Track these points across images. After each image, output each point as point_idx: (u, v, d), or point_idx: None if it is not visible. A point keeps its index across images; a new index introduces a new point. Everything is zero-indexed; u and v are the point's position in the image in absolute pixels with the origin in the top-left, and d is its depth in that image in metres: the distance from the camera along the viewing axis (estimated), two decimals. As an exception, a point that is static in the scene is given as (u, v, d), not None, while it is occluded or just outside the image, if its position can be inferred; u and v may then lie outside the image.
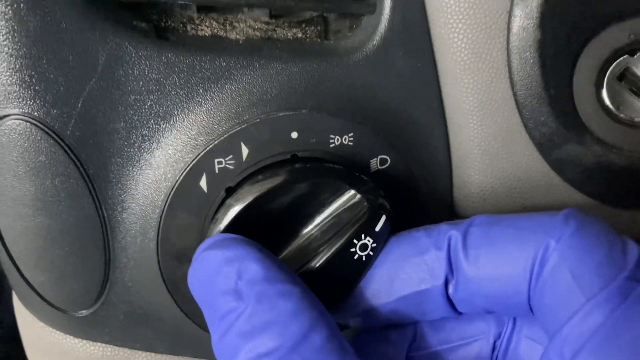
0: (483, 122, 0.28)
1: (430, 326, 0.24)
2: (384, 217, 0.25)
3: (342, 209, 0.25)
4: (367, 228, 0.24)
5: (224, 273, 0.21)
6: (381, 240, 0.25)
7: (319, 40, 0.28)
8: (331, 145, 0.26)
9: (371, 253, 0.25)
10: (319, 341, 0.19)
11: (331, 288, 0.25)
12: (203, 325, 0.28)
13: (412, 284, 0.23)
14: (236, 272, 0.20)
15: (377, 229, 0.24)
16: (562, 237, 0.20)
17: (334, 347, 0.19)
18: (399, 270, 0.23)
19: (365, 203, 0.24)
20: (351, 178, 0.25)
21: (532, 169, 0.29)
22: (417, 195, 0.28)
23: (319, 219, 0.25)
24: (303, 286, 0.21)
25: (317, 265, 0.25)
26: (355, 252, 0.25)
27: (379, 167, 0.27)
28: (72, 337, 0.31)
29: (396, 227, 0.26)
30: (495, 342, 0.24)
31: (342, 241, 0.24)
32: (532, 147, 0.28)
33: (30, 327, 0.32)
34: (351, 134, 0.26)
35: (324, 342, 0.19)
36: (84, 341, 0.31)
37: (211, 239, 0.22)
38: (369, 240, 0.24)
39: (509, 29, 0.27)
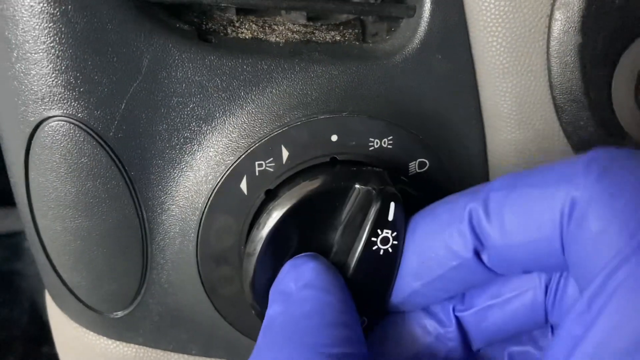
0: (521, 127, 0.28)
1: (487, 281, 0.23)
2: (392, 204, 0.24)
3: (352, 208, 0.24)
4: (380, 221, 0.24)
5: (287, 277, 0.23)
6: (399, 227, 0.24)
7: (357, 43, 0.28)
8: (370, 149, 0.26)
9: (395, 242, 0.24)
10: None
11: (372, 291, 0.25)
12: (238, 327, 0.28)
13: (442, 263, 0.22)
14: (295, 277, 0.23)
15: (390, 218, 0.24)
16: (585, 188, 0.19)
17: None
18: (427, 251, 0.23)
19: (371, 195, 0.24)
20: (353, 174, 0.24)
21: (570, 173, 0.29)
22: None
23: (340, 226, 0.25)
24: (330, 292, 0.22)
25: (349, 274, 0.25)
26: (379, 249, 0.24)
27: (418, 171, 0.27)
28: (105, 338, 0.31)
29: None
30: (547, 286, 0.23)
31: (362, 243, 0.24)
32: (571, 152, 0.28)
33: (64, 327, 0.32)
34: (390, 137, 0.26)
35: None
36: (118, 342, 0.31)
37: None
38: (387, 232, 0.24)
39: (549, 33, 0.27)
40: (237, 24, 0.26)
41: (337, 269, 0.24)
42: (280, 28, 0.27)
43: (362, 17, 0.28)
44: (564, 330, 0.18)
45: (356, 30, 0.28)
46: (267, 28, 0.27)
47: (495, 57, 0.27)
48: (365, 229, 0.24)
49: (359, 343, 0.21)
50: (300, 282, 0.22)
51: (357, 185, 0.24)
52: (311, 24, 0.27)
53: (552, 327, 0.24)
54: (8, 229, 0.68)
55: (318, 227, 0.25)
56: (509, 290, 0.23)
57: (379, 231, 0.24)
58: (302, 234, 0.25)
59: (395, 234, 0.24)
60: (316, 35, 0.27)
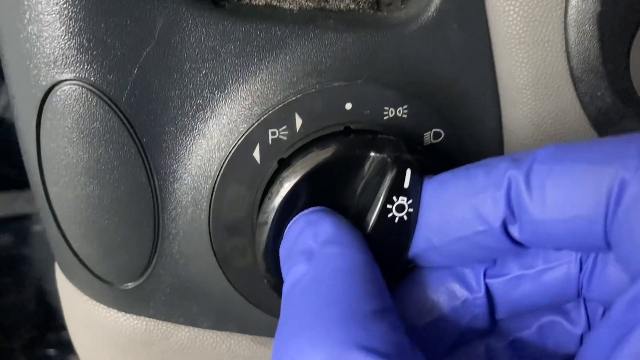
0: (537, 97, 0.28)
1: (517, 251, 0.23)
2: (409, 171, 0.23)
3: (367, 176, 0.24)
4: (396, 188, 0.23)
5: (303, 234, 0.22)
6: (415, 194, 0.24)
7: (371, 11, 0.27)
8: (385, 118, 0.26)
9: (410, 210, 0.24)
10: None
11: (387, 259, 0.24)
12: (251, 299, 0.28)
13: (466, 227, 0.22)
14: (312, 233, 0.22)
15: (406, 185, 0.23)
16: (638, 168, 0.18)
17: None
18: (454, 211, 0.22)
19: (387, 163, 0.23)
20: (368, 142, 0.24)
21: (586, 145, 0.28)
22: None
23: (355, 194, 0.25)
24: (358, 249, 0.22)
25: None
26: (394, 216, 0.24)
27: (432, 141, 0.27)
28: (116, 310, 0.30)
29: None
30: (582, 262, 0.22)
31: (377, 210, 0.24)
32: (587, 123, 0.28)
33: (73, 300, 0.32)
34: (405, 106, 0.26)
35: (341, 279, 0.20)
36: (128, 315, 0.30)
37: (305, 211, 0.24)
38: (402, 200, 0.23)
39: (567, 2, 0.26)
40: (250, -9, 0.26)
41: None
42: (294, -4, 0.26)
43: (376, -14, 0.27)
44: (616, 312, 0.17)
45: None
46: (280, -5, 0.26)
47: (511, 26, 0.27)
48: (380, 196, 0.24)
49: (388, 296, 0.20)
50: (320, 238, 0.22)
51: (372, 153, 0.24)
52: (325, -8, 0.27)
53: (584, 301, 0.24)
54: (16, 212, 0.68)
55: (331, 196, 0.25)
56: (543, 262, 0.23)
57: (394, 198, 0.23)
58: (315, 203, 0.24)
59: (410, 201, 0.23)
60: (330, 3, 0.27)
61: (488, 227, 0.21)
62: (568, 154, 0.20)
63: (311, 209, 0.24)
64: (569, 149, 0.20)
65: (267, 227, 0.24)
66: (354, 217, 0.25)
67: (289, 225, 0.24)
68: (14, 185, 0.70)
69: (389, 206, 0.24)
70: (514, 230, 0.21)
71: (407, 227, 0.24)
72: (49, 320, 0.81)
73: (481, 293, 0.23)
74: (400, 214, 0.24)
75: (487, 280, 0.23)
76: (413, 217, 0.24)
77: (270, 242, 0.25)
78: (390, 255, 0.24)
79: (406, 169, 0.23)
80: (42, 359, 0.81)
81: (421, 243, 0.23)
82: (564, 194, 0.19)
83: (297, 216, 0.24)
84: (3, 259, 0.76)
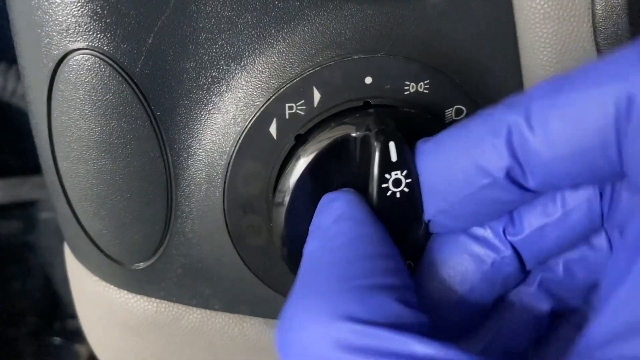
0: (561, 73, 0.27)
1: (530, 201, 0.22)
2: (392, 144, 0.22)
3: (359, 156, 0.23)
4: (385, 165, 0.22)
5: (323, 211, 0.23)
6: (406, 163, 0.22)
7: (392, -16, 0.26)
8: (405, 93, 0.25)
9: (408, 180, 0.22)
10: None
11: (404, 234, 0.23)
12: (265, 279, 0.27)
13: (471, 182, 0.20)
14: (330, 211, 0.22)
15: (394, 159, 0.22)
16: None
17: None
18: (455, 169, 0.21)
19: (370, 140, 0.22)
20: (355, 121, 0.23)
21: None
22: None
23: (360, 174, 0.24)
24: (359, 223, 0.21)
25: None
26: (394, 193, 0.23)
27: (454, 118, 0.26)
28: (126, 291, 0.30)
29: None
30: (601, 194, 0.21)
31: (375, 191, 0.23)
32: (613, 101, 0.27)
33: (82, 281, 0.31)
34: (427, 81, 0.25)
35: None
36: (139, 296, 0.30)
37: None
38: (396, 174, 0.22)
39: (595, -26, 0.25)
40: (267, -39, 0.25)
41: None
42: (313, -33, 0.26)
43: (396, -42, 0.26)
44: (630, 235, 0.17)
45: (391, -28, 0.27)
46: (298, -34, 0.26)
47: (536, 1, 0.26)
48: (373, 176, 0.23)
49: (401, 273, 0.20)
50: (333, 215, 0.21)
51: (353, 134, 0.23)
52: (344, -36, 0.26)
53: (605, 231, 0.22)
54: (22, 198, 0.68)
55: (344, 174, 0.24)
56: (562, 206, 0.22)
57: (387, 175, 0.22)
58: (332, 181, 0.24)
59: (405, 172, 0.22)
60: (349, -25, 0.26)
61: (492, 178, 0.20)
62: (566, 84, 0.19)
63: (334, 191, 0.23)
64: (563, 79, 0.19)
65: (284, 208, 0.24)
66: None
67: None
68: (14, 172, 0.69)
69: (384, 185, 0.23)
70: (523, 178, 0.20)
71: (412, 198, 0.23)
72: (55, 308, 0.81)
73: (509, 251, 0.22)
74: (399, 188, 0.23)
75: (510, 238, 0.22)
76: (414, 186, 0.23)
77: (288, 222, 0.24)
78: (406, 230, 0.23)
79: (388, 143, 0.22)
80: (47, 347, 0.81)
81: (430, 208, 0.22)
82: (570, 125, 0.18)
83: (324, 196, 0.23)
84: (9, 246, 0.76)
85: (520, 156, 0.19)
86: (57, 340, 0.82)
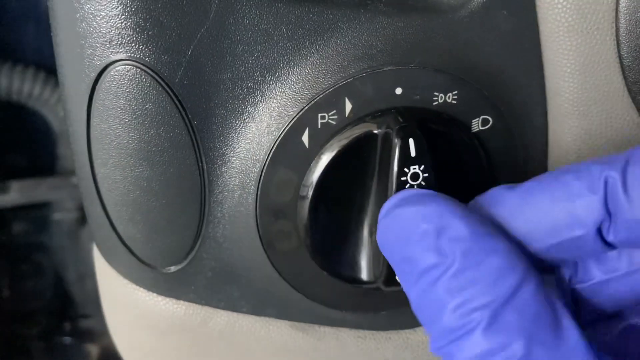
0: (584, 86, 0.27)
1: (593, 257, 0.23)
2: (412, 140, 0.24)
3: (380, 152, 0.25)
4: (404, 160, 0.24)
5: (421, 230, 0.21)
6: (425, 160, 0.24)
7: (420, -3, 0.27)
8: (434, 103, 0.26)
9: (426, 175, 0.24)
10: (528, 296, 0.19)
11: None
12: (294, 283, 0.28)
13: (561, 232, 0.21)
14: (436, 229, 0.20)
15: (413, 154, 0.24)
16: None
17: (543, 300, 0.19)
18: (546, 218, 0.22)
19: (390, 136, 0.24)
20: (377, 120, 0.25)
21: (633, 136, 0.28)
22: (515, 160, 0.28)
23: (375, 172, 0.25)
24: (506, 241, 0.21)
25: None
26: (412, 186, 0.24)
27: (481, 128, 0.27)
28: (155, 294, 0.30)
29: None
30: None
31: (394, 184, 0.24)
32: (635, 112, 0.28)
33: (111, 283, 0.32)
34: (455, 92, 0.26)
35: (533, 296, 0.19)
36: (167, 299, 0.30)
37: (401, 194, 0.22)
38: (414, 168, 0.24)
39: (619, -11, 0.26)
40: (300, -25, 0.26)
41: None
42: (344, -20, 0.26)
43: (424, -29, 0.27)
44: None
45: (419, -15, 0.27)
46: (330, -21, 0.26)
47: (560, 14, 0.26)
48: (393, 170, 0.24)
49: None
50: (450, 233, 0.21)
51: (375, 131, 0.24)
52: (373, -23, 0.27)
53: None
54: (38, 199, 0.69)
55: (367, 169, 0.25)
56: (628, 264, 0.23)
57: (405, 169, 0.24)
58: (352, 178, 0.25)
59: (422, 167, 0.24)
60: (379, -12, 0.27)
61: (586, 231, 0.21)
62: None
63: (414, 192, 0.22)
64: None
65: (307, 201, 0.25)
66: (379, 193, 0.25)
67: (385, 215, 0.22)
68: (27, 174, 0.70)
69: (403, 178, 0.24)
70: (608, 232, 0.21)
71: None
72: (66, 308, 0.82)
73: (567, 298, 0.23)
74: (417, 182, 0.24)
75: (573, 286, 0.23)
76: (431, 181, 0.24)
77: (311, 215, 0.26)
78: None
79: (409, 139, 0.24)
80: (58, 347, 0.82)
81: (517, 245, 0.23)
82: None
83: (393, 204, 0.22)
84: (21, 247, 0.77)
85: (612, 211, 0.21)
86: (67, 339, 0.82)
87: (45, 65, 0.68)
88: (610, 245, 0.22)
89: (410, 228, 0.21)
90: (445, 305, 0.19)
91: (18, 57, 0.67)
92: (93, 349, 0.82)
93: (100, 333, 0.82)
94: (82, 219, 0.74)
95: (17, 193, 0.65)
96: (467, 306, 0.19)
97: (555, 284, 0.24)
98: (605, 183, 0.21)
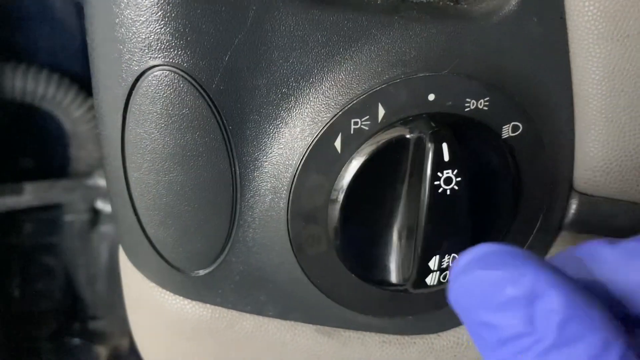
0: (612, 93, 0.28)
1: None
2: (445, 145, 0.24)
3: (412, 156, 0.25)
4: (438, 163, 0.24)
5: (509, 296, 0.19)
6: (459, 165, 0.24)
7: (451, 3, 0.27)
8: (466, 109, 0.26)
9: (459, 179, 0.24)
10: None
11: (453, 231, 0.25)
12: (322, 288, 0.28)
13: None
14: (526, 296, 0.19)
15: (446, 158, 0.24)
16: None
17: None
18: None
19: (423, 141, 0.24)
20: (409, 124, 0.25)
21: (661, 143, 0.28)
22: (543, 166, 0.28)
23: (407, 176, 0.26)
24: (605, 313, 0.19)
25: (424, 220, 0.25)
26: (445, 190, 0.25)
27: (511, 134, 0.27)
28: (182, 297, 0.31)
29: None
30: None
31: (427, 189, 0.25)
32: (663, 120, 0.28)
33: (137, 286, 0.32)
34: (487, 99, 0.26)
35: None
36: (194, 302, 0.31)
37: (481, 249, 0.20)
38: (447, 172, 0.24)
39: (650, -3, 0.26)
40: (334, -19, 0.26)
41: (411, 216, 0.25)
42: (376, -14, 0.27)
43: (455, -21, 0.27)
44: None
45: (449, -8, 0.27)
46: (363, -14, 0.26)
47: (590, 22, 0.27)
48: (426, 174, 0.24)
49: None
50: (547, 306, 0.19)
51: (408, 135, 0.25)
52: (405, -16, 0.27)
53: None
54: (51, 201, 0.69)
55: (392, 177, 0.26)
56: None
57: (439, 174, 0.24)
58: (383, 183, 0.25)
59: (456, 171, 0.24)
60: (410, -6, 0.27)
61: None
62: None
63: (495, 249, 0.20)
64: None
65: (339, 205, 0.26)
66: (410, 197, 0.25)
67: (461, 267, 0.21)
68: (39, 176, 0.70)
69: (436, 182, 0.24)
70: None
71: (462, 196, 0.25)
72: (76, 310, 0.82)
73: None
74: (450, 186, 0.24)
75: None
76: (464, 186, 0.25)
77: (341, 219, 0.26)
78: (455, 226, 0.25)
79: (442, 144, 0.24)
80: (67, 348, 0.82)
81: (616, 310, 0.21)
82: None
83: (476, 257, 0.20)
84: (32, 248, 0.77)
85: None
86: (77, 340, 0.82)
87: (59, 67, 0.69)
88: None
89: (495, 292, 0.19)
90: None
91: (32, 59, 0.68)
92: (102, 350, 0.82)
93: (109, 334, 0.82)
94: (94, 221, 0.74)
95: (30, 195, 0.65)
96: None
97: None
98: None
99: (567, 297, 0.18)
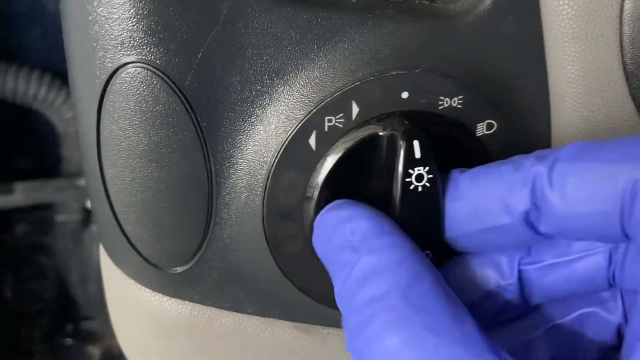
0: (587, 93, 0.28)
1: (547, 240, 0.24)
2: (416, 143, 0.24)
3: (385, 154, 0.25)
4: (410, 160, 0.24)
5: (340, 231, 0.23)
6: (430, 161, 0.25)
7: (427, 2, 0.27)
8: (440, 107, 0.26)
9: (430, 176, 0.25)
10: (426, 287, 0.21)
11: (425, 227, 0.25)
12: (299, 284, 0.28)
13: (494, 218, 0.23)
14: (350, 229, 0.23)
15: (417, 155, 0.24)
16: None
17: (440, 292, 0.21)
18: (483, 202, 0.24)
19: (396, 138, 0.25)
20: (383, 122, 0.25)
21: (636, 140, 0.28)
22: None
23: (382, 171, 0.26)
24: (406, 238, 0.23)
25: (397, 216, 0.25)
26: (416, 187, 0.25)
27: (485, 132, 0.27)
28: (161, 295, 0.31)
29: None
30: (611, 253, 0.24)
31: (399, 185, 0.25)
32: (638, 118, 0.28)
33: (117, 283, 0.32)
34: (461, 96, 0.26)
35: (431, 288, 0.21)
36: (173, 299, 0.31)
37: (330, 204, 0.25)
38: (419, 169, 0.25)
39: (623, -4, 0.26)
40: (309, -20, 0.26)
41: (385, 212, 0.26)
42: (352, -15, 0.27)
43: (431, -22, 0.28)
44: None
45: (425, -9, 0.28)
46: (339, -16, 0.27)
47: (565, 21, 0.27)
48: (398, 171, 0.25)
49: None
50: (360, 233, 0.23)
51: (381, 133, 0.25)
52: (381, -18, 0.27)
53: (621, 292, 0.25)
54: (42, 201, 0.69)
55: (366, 175, 0.26)
56: (576, 252, 0.24)
57: (410, 171, 0.25)
58: (357, 180, 0.26)
59: (427, 168, 0.25)
60: (386, -7, 0.27)
61: (512, 219, 0.23)
62: (589, 153, 0.22)
63: (337, 202, 0.25)
64: (591, 147, 0.22)
65: (313, 202, 0.26)
66: (383, 194, 0.26)
67: (316, 222, 0.25)
68: (30, 175, 0.71)
69: (407, 179, 0.25)
70: (539, 223, 0.23)
71: (433, 192, 0.25)
72: (68, 310, 0.82)
73: (513, 279, 0.25)
74: (421, 183, 0.25)
75: (521, 267, 0.25)
76: (435, 183, 0.25)
77: (316, 214, 0.26)
78: (427, 222, 0.25)
79: (413, 141, 0.24)
80: (60, 348, 0.82)
81: (454, 229, 0.25)
82: (582, 190, 0.21)
83: (322, 212, 0.25)
84: (24, 248, 0.77)
85: (539, 204, 0.22)
86: (69, 341, 0.83)
87: (51, 68, 0.69)
88: (548, 236, 0.23)
89: (332, 231, 0.24)
90: (356, 295, 0.21)
91: (24, 60, 0.68)
92: (95, 351, 0.82)
93: (102, 335, 0.83)
94: (86, 221, 0.74)
95: (21, 194, 0.65)
96: (369, 294, 0.21)
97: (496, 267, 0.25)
98: (534, 176, 0.22)
99: (373, 225, 0.23)
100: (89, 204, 0.72)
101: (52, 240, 0.76)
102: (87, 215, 0.74)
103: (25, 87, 0.66)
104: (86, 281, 0.79)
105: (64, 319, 0.82)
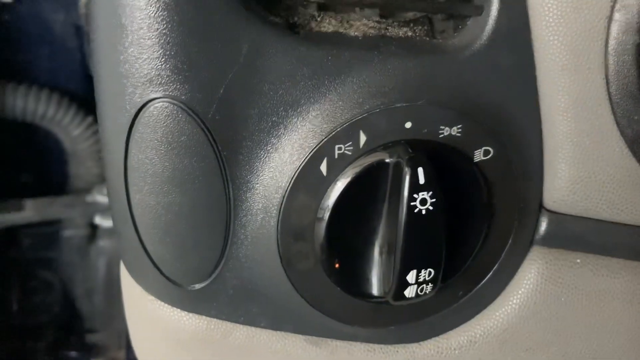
0: (576, 119, 0.30)
1: None
2: (420, 169, 0.27)
3: (391, 179, 0.27)
4: (414, 186, 0.27)
5: None
6: (433, 187, 0.27)
7: (427, 39, 0.30)
8: (440, 136, 0.28)
9: (433, 200, 0.27)
10: None
11: (429, 248, 0.28)
12: (310, 300, 0.30)
13: None
14: None
15: (422, 181, 0.27)
16: None
17: None
18: None
19: (401, 165, 0.27)
20: (389, 150, 0.28)
21: (622, 165, 0.31)
22: (513, 187, 0.30)
23: (388, 196, 0.28)
24: None
25: (402, 237, 0.27)
26: (420, 210, 0.27)
27: (483, 158, 0.29)
28: (179, 310, 0.33)
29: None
30: None
31: (405, 209, 0.27)
32: (623, 144, 0.30)
33: (137, 300, 0.34)
34: (460, 126, 0.28)
35: None
36: (191, 314, 0.33)
37: None
38: (423, 194, 0.27)
39: (608, 33, 0.29)
40: (318, 19, 0.29)
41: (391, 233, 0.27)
42: (357, 24, 0.29)
43: (430, 15, 0.30)
44: None
45: (425, 27, 0.30)
46: (345, 23, 0.29)
47: (555, 54, 0.29)
48: (403, 195, 0.27)
49: None
50: None
51: (387, 160, 0.27)
52: (384, 20, 0.29)
53: None
54: (52, 217, 0.71)
55: (373, 198, 0.28)
56: None
57: (415, 195, 0.27)
58: (365, 203, 0.28)
59: (430, 193, 0.27)
60: (389, 31, 0.29)
61: None
62: None
63: None
64: None
65: (324, 223, 0.28)
66: (389, 216, 0.28)
67: None
68: (38, 192, 0.72)
69: (412, 203, 0.27)
70: None
71: (436, 216, 0.27)
72: (73, 323, 0.83)
73: None
74: (425, 206, 0.27)
75: None
76: (438, 206, 0.27)
77: (327, 236, 0.28)
78: (431, 244, 0.28)
79: (418, 168, 0.27)
80: (65, 361, 0.83)
81: None
82: None
83: None
84: (31, 262, 0.78)
85: None
86: (74, 353, 0.84)
87: (59, 87, 0.71)
88: None
89: None
90: None
91: (33, 80, 0.70)
92: (99, 363, 0.83)
93: (106, 347, 0.84)
94: (92, 236, 0.76)
95: (31, 211, 0.67)
96: None
97: None
98: None
99: None
100: (95, 220, 0.73)
101: (58, 254, 0.78)
102: (93, 230, 0.75)
103: (34, 106, 0.68)
104: (91, 294, 0.80)
105: (69, 332, 0.83)
